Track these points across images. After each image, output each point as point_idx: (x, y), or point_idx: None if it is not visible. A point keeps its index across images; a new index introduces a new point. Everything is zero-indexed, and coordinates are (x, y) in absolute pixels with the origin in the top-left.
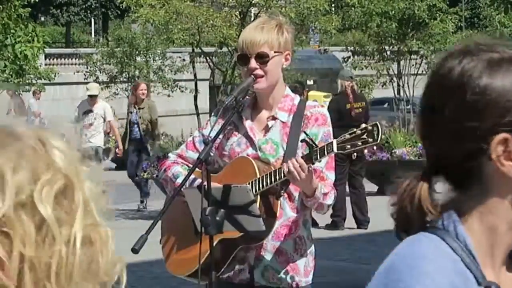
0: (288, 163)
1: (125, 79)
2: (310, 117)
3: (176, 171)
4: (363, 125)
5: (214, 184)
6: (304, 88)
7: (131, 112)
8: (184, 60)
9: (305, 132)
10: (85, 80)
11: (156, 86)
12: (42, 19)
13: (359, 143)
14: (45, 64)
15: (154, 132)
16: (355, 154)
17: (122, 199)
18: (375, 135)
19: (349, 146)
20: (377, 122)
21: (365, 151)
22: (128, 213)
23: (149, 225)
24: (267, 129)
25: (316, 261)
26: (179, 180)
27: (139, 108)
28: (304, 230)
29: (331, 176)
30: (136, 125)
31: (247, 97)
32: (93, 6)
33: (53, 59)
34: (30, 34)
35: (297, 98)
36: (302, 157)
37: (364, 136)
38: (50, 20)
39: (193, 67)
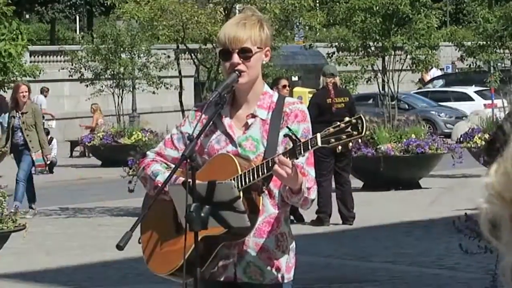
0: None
1: (110, 76)
2: (289, 114)
3: (155, 169)
4: (347, 119)
5: (198, 181)
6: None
7: (14, 117)
8: (169, 57)
9: (288, 127)
10: (70, 77)
11: (141, 83)
12: (27, 16)
13: (344, 136)
14: (30, 62)
15: (39, 137)
16: (339, 148)
17: (108, 195)
18: (359, 128)
19: (333, 140)
20: (361, 115)
21: (350, 145)
22: (113, 210)
23: (134, 222)
24: (246, 126)
25: (301, 257)
26: (159, 178)
27: (22, 113)
28: (285, 227)
29: (311, 172)
30: (19, 130)
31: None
32: (77, 3)
33: (38, 56)
34: (14, 32)
35: (275, 95)
36: (285, 152)
37: (349, 129)
38: (35, 18)
39: (178, 64)
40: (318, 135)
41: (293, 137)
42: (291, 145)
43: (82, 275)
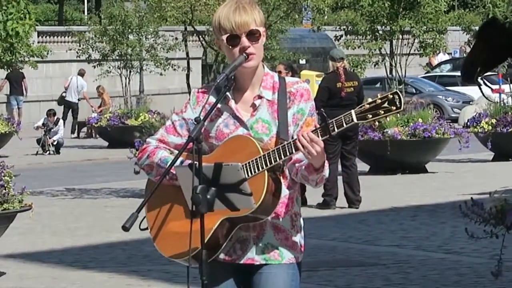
0: (301, 139)
1: (117, 57)
2: (295, 93)
3: (164, 156)
4: (379, 95)
5: (205, 163)
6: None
7: None
8: (176, 38)
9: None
10: (78, 58)
11: (149, 64)
12: None
13: (381, 112)
14: (38, 42)
15: None
16: (375, 123)
17: (114, 177)
18: (397, 102)
19: (370, 116)
20: (397, 90)
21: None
22: (119, 191)
23: (140, 203)
24: (254, 108)
25: (307, 240)
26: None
27: None
28: (296, 207)
29: None
30: None
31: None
32: None
33: (45, 36)
34: (22, 11)
35: (276, 76)
36: (316, 129)
37: (386, 104)
38: None
39: (186, 46)
40: (353, 111)
41: (324, 113)
42: (300, 123)
43: (88, 256)
